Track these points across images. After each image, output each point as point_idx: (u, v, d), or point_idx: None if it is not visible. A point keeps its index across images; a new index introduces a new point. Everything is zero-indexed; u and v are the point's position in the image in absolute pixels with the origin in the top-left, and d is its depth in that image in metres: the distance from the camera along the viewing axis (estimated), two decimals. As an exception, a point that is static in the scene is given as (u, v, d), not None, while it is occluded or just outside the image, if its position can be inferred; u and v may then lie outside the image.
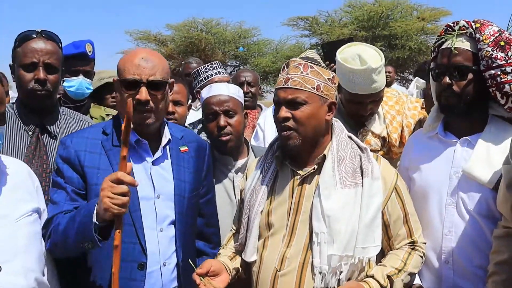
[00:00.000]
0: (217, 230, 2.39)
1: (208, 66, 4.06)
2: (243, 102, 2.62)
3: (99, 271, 2.02)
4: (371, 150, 2.60)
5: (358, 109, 2.61)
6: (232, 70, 11.82)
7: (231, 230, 2.28)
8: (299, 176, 2.05)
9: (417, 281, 2.19)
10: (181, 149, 2.20)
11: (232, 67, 12.03)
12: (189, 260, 2.06)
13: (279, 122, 2.01)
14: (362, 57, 2.50)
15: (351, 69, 2.50)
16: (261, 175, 2.12)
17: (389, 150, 2.70)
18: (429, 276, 2.18)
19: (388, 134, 2.68)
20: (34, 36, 2.39)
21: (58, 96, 2.75)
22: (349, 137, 2.12)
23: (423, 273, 2.20)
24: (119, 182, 1.74)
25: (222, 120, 2.49)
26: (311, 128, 2.00)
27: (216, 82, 3.73)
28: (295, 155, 2.06)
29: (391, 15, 11.42)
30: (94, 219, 1.79)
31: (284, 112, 1.98)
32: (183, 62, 10.39)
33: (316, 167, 2.03)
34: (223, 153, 2.53)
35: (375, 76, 2.49)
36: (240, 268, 2.13)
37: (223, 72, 4.01)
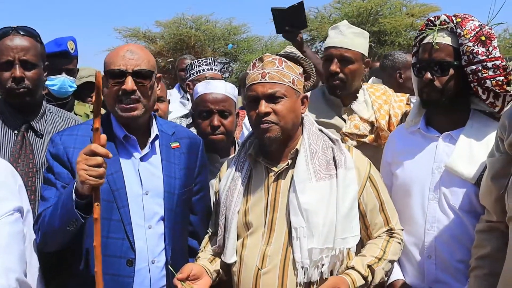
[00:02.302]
0: None
1: (202, 60, 4.06)
2: (237, 101, 2.60)
3: (87, 267, 2.01)
4: (360, 135, 2.68)
5: (328, 66, 2.73)
6: (222, 67, 11.79)
7: (207, 232, 2.27)
8: (273, 173, 2.05)
9: (400, 276, 2.19)
10: (172, 145, 2.19)
11: (222, 64, 11.99)
12: (169, 266, 2.04)
13: (259, 117, 2.00)
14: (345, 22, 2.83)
15: (332, 26, 2.83)
16: (235, 175, 2.11)
17: (377, 137, 2.71)
18: (412, 271, 2.19)
19: (376, 119, 2.71)
20: (10, 32, 2.35)
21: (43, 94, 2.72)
22: (320, 130, 2.13)
23: (406, 267, 2.21)
24: (92, 154, 1.75)
25: (216, 120, 2.48)
26: (290, 121, 2.02)
27: (206, 78, 3.73)
28: (269, 152, 2.06)
29: (380, 11, 11.45)
30: (74, 196, 1.81)
31: (265, 106, 1.98)
32: (171, 60, 10.37)
33: (290, 162, 2.04)
34: (211, 151, 2.52)
35: (346, 30, 2.72)
36: (221, 270, 2.12)
37: (216, 70, 4.00)
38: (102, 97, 1.72)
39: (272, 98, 1.99)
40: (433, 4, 11.93)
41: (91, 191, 1.77)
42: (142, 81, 2.04)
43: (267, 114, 1.98)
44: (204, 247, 2.22)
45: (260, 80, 2.01)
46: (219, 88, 2.53)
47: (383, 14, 11.31)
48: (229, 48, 11.07)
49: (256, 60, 2.09)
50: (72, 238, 1.94)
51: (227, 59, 12.10)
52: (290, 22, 3.14)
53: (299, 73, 2.07)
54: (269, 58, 2.05)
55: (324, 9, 11.90)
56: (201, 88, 2.59)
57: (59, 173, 2.05)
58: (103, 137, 1.78)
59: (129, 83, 2.00)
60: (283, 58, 2.05)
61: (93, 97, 1.75)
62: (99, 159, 1.75)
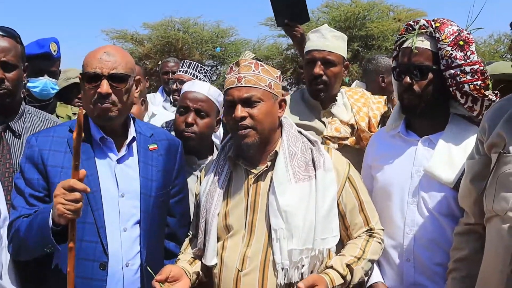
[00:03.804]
0: (188, 231, 2.36)
1: (190, 63, 4.06)
2: (220, 108, 2.59)
3: (61, 271, 1.99)
4: (341, 138, 2.69)
5: (311, 69, 2.74)
6: (210, 69, 11.78)
7: (188, 235, 2.27)
8: (253, 175, 2.05)
9: (379, 278, 2.20)
10: (150, 147, 2.18)
11: (210, 67, 11.98)
12: (148, 267, 2.04)
13: (236, 121, 2.00)
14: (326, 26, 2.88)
15: (313, 30, 2.84)
16: (215, 178, 2.11)
17: (359, 139, 2.73)
18: (391, 274, 2.20)
19: (356, 121, 2.73)
20: None
21: (22, 95, 2.70)
22: (299, 132, 2.14)
23: (385, 270, 2.22)
24: (71, 189, 1.77)
25: (191, 117, 2.48)
26: (267, 125, 2.02)
27: (183, 79, 3.75)
28: (249, 155, 2.06)
29: (367, 16, 11.50)
30: (51, 224, 1.83)
31: (241, 111, 1.99)
32: (159, 63, 10.34)
33: (269, 164, 2.04)
34: (187, 152, 2.52)
35: (327, 34, 2.76)
36: (201, 272, 2.12)
37: (200, 78, 3.98)
38: (82, 134, 1.76)
39: (248, 102, 1.99)
40: (420, 9, 12.03)
41: (67, 222, 1.80)
42: (118, 85, 2.03)
43: (243, 118, 1.99)
44: (185, 249, 2.22)
45: (236, 84, 2.02)
46: (202, 88, 2.55)
47: (370, 18, 11.37)
48: (217, 51, 11.06)
49: (233, 65, 2.10)
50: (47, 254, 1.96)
51: (215, 62, 12.07)
52: (290, 14, 3.06)
53: (276, 76, 2.08)
54: (245, 63, 2.06)
55: (312, 13, 11.92)
56: (187, 86, 2.63)
57: (29, 179, 2.04)
58: (82, 172, 1.79)
59: (104, 87, 1.99)
60: (259, 62, 2.06)
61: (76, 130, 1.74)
62: (77, 195, 1.77)
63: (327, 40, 2.74)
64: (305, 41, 3.05)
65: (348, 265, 1.98)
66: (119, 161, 2.10)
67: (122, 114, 2.09)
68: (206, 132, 2.52)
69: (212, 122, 2.54)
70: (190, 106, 2.50)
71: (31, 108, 2.64)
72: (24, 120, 2.47)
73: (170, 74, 4.80)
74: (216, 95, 2.56)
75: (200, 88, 2.55)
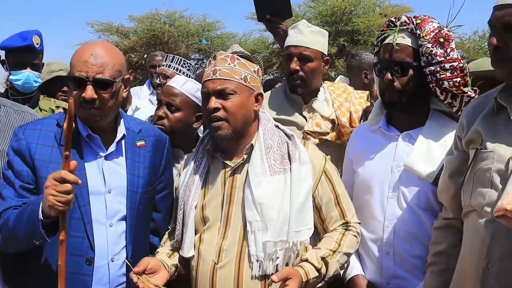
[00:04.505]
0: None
1: (175, 58, 4.06)
2: (198, 102, 2.52)
3: (47, 264, 2.00)
4: (322, 133, 2.72)
5: (289, 64, 2.77)
6: (196, 63, 11.73)
7: (168, 229, 2.28)
8: (229, 168, 2.07)
9: (360, 271, 2.24)
10: (138, 143, 2.17)
11: (196, 60, 11.92)
12: (126, 260, 2.04)
13: (209, 113, 2.02)
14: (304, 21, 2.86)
15: (292, 26, 2.85)
16: (193, 170, 2.13)
17: (340, 134, 2.76)
18: (371, 266, 2.23)
19: (337, 116, 2.75)
20: None
21: (5, 88, 2.67)
22: (276, 126, 2.16)
23: (366, 263, 2.25)
24: (62, 181, 1.76)
25: (162, 111, 2.51)
26: (241, 117, 2.04)
27: (166, 73, 3.76)
28: (225, 147, 2.08)
29: (354, 11, 11.50)
30: (40, 216, 1.81)
31: (214, 102, 2.01)
32: (145, 55, 10.27)
33: (245, 157, 2.06)
34: (173, 146, 2.52)
35: (304, 29, 2.77)
36: (179, 264, 2.13)
37: (184, 72, 3.98)
38: (74, 124, 1.74)
39: (222, 95, 2.01)
40: (405, 5, 12.08)
41: (58, 214, 1.79)
42: (103, 91, 1.99)
43: (216, 109, 2.01)
44: (164, 243, 2.23)
45: (211, 76, 2.04)
46: (178, 82, 2.56)
47: (357, 13, 11.37)
48: (203, 44, 10.99)
49: (211, 58, 2.12)
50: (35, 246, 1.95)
51: (201, 56, 11.99)
52: (272, 9, 3.00)
53: (254, 70, 2.09)
54: (222, 56, 2.08)
55: (299, 7, 11.90)
56: (170, 81, 2.65)
57: (18, 171, 2.02)
58: (73, 163, 1.78)
59: (89, 92, 1.96)
60: (236, 56, 2.08)
61: (65, 123, 1.73)
62: (68, 186, 1.76)
63: (304, 35, 2.77)
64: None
65: (323, 258, 2.00)
66: (107, 157, 2.09)
67: (107, 116, 2.07)
68: (178, 126, 2.50)
69: (184, 117, 2.51)
70: (162, 100, 2.53)
71: (6, 100, 2.60)
72: None
73: (157, 68, 4.80)
74: (193, 90, 2.54)
75: (175, 82, 2.57)
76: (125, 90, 2.13)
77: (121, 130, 2.13)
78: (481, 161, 1.74)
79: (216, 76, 2.03)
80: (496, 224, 1.64)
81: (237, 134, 2.05)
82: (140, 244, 2.15)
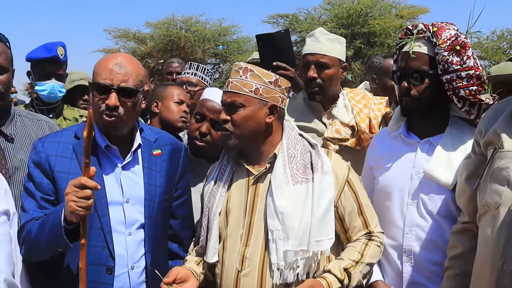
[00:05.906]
0: (191, 232, 2.40)
1: (199, 66, 4.11)
2: None
3: (69, 268, 2.05)
4: (342, 139, 2.73)
5: (307, 72, 2.79)
6: (212, 67, 11.81)
7: (186, 235, 2.33)
8: (253, 176, 2.10)
9: (379, 277, 2.25)
10: (154, 152, 2.21)
11: (212, 65, 11.99)
12: (156, 271, 2.07)
13: (220, 124, 2.10)
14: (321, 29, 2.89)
15: (309, 34, 2.89)
16: (218, 177, 2.16)
17: (359, 140, 2.77)
18: (391, 273, 2.24)
19: (356, 123, 2.77)
20: None
21: (30, 99, 2.74)
22: (300, 135, 2.17)
23: (385, 269, 2.27)
24: (82, 187, 1.81)
25: (205, 127, 2.50)
26: (248, 129, 2.05)
27: (192, 81, 3.80)
28: (247, 154, 2.12)
29: (370, 13, 11.46)
30: (63, 223, 1.87)
31: (223, 115, 2.07)
32: (162, 61, 10.35)
33: (268, 166, 2.08)
34: (197, 155, 2.56)
35: (321, 37, 2.80)
36: (207, 272, 2.16)
37: (206, 81, 4.03)
38: (93, 133, 1.79)
39: (231, 107, 2.05)
40: (422, 5, 12.00)
41: (79, 219, 1.85)
42: (126, 99, 2.04)
43: (225, 121, 2.06)
44: (192, 250, 2.26)
45: (225, 88, 2.09)
46: (217, 97, 2.51)
47: (373, 15, 11.34)
48: (219, 49, 11.06)
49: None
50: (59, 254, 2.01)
51: (217, 60, 12.08)
52: (277, 55, 2.87)
53: (269, 81, 2.07)
54: (236, 68, 2.10)
55: (314, 10, 11.92)
56: (207, 92, 2.64)
57: (39, 183, 2.07)
58: (93, 169, 1.83)
59: (113, 100, 2.01)
60: (250, 67, 2.07)
61: (86, 130, 1.77)
62: (88, 192, 1.82)
63: (320, 43, 2.79)
64: (298, 84, 3.11)
65: (345, 269, 2.01)
66: (124, 167, 2.13)
67: (127, 125, 2.11)
68: (218, 141, 2.49)
69: None
70: (206, 116, 2.51)
71: (22, 110, 2.65)
72: (15, 123, 2.46)
73: (174, 74, 4.87)
74: None
75: (215, 97, 2.53)
76: (144, 102, 2.18)
77: (137, 140, 2.17)
78: (498, 160, 1.76)
79: (228, 88, 2.07)
80: (511, 225, 1.65)
81: (249, 143, 2.08)
82: (159, 251, 2.20)
